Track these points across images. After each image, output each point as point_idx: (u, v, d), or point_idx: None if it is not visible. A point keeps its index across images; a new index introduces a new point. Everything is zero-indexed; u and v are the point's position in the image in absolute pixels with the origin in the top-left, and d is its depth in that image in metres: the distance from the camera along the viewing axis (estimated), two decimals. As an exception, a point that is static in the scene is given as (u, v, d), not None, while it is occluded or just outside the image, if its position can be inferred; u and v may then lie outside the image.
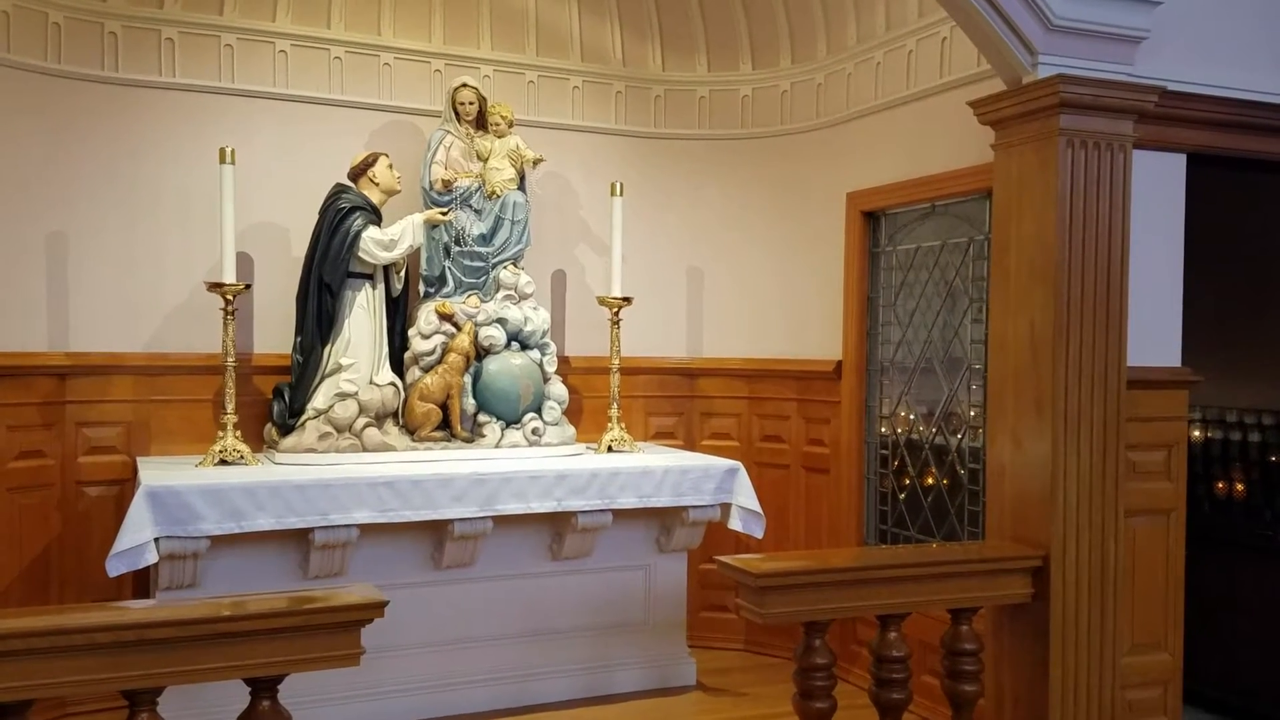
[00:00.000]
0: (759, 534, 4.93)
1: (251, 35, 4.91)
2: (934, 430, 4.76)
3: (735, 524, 4.88)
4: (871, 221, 5.15)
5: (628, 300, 5.16)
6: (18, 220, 4.47)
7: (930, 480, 4.78)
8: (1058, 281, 3.46)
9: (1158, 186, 3.70)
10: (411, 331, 4.87)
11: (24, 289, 4.50)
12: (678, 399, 5.76)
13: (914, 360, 4.92)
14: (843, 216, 5.22)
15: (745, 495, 4.88)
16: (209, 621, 2.69)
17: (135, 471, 4.39)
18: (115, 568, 3.83)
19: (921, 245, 4.88)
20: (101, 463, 4.65)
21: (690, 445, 5.68)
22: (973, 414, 4.52)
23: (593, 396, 5.46)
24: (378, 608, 2.83)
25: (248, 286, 4.62)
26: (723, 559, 3.38)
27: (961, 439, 4.58)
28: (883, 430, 5.08)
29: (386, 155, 4.84)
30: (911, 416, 4.93)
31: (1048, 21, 3.46)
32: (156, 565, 3.98)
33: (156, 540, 3.89)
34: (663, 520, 4.92)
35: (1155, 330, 3.73)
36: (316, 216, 4.71)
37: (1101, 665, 3.54)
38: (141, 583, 4.49)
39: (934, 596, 3.46)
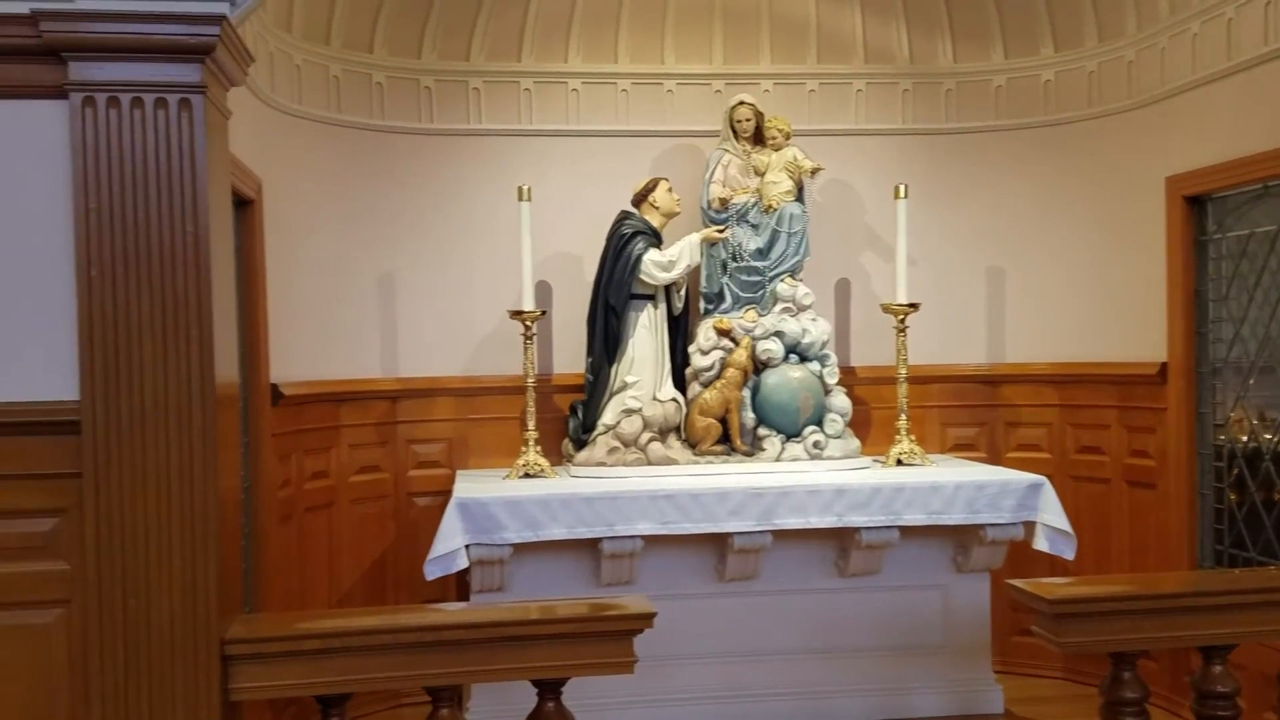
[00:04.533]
0: (1069, 555, 4.55)
1: (547, 78, 5.26)
2: (1278, 439, 4.18)
3: (1041, 544, 4.54)
4: (1196, 207, 4.64)
5: (914, 306, 4.96)
6: (355, 262, 5.06)
7: (1278, 495, 4.20)
8: None
9: None
10: (691, 348, 4.98)
11: (360, 323, 5.08)
12: (978, 408, 5.45)
13: (1250, 360, 4.35)
14: (1162, 203, 4.75)
15: (1052, 513, 4.52)
16: (493, 625, 2.90)
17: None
18: (431, 572, 4.23)
19: (1255, 231, 4.33)
20: (428, 475, 5.16)
21: (994, 458, 5.35)
22: (1325, 420, 3.94)
23: (881, 407, 5.28)
24: (647, 619, 2.92)
25: (544, 313, 4.92)
26: (1013, 583, 3.17)
27: (1311, 449, 4.00)
28: (1219, 439, 4.53)
29: (666, 179, 5.00)
30: (1253, 423, 4.36)
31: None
32: (468, 570, 4.34)
33: (467, 547, 4.25)
34: (959, 538, 4.67)
35: None
36: (603, 243, 4.95)
37: None
38: (464, 585, 4.87)
39: (1262, 627, 3.07)
